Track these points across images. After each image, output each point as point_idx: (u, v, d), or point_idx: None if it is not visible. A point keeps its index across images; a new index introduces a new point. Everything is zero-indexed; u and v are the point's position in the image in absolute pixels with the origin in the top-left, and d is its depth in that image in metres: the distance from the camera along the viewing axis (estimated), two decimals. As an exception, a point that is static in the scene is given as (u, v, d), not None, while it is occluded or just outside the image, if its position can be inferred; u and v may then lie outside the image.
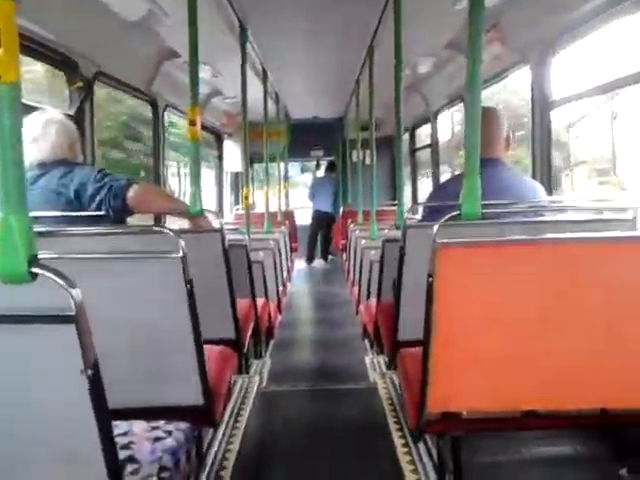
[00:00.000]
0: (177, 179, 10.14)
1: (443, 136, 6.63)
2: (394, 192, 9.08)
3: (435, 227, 1.57)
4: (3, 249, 1.02)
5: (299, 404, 3.25)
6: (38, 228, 1.10)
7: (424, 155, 7.70)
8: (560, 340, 1.54)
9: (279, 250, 4.91)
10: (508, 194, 2.26)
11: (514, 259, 1.52)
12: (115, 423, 1.40)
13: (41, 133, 2.42)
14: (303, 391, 3.48)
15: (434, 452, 2.36)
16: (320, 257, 9.95)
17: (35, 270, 1.02)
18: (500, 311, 1.54)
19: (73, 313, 1.01)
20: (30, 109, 2.82)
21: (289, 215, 8.49)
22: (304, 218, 9.94)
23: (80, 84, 3.61)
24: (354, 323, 4.96)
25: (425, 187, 8.19)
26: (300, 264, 9.35)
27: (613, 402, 1.60)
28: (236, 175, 9.48)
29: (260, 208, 6.97)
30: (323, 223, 9.77)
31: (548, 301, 1.54)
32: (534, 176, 3.61)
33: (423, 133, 7.76)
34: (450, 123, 8.00)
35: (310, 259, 9.79)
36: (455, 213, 1.80)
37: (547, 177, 3.58)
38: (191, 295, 1.71)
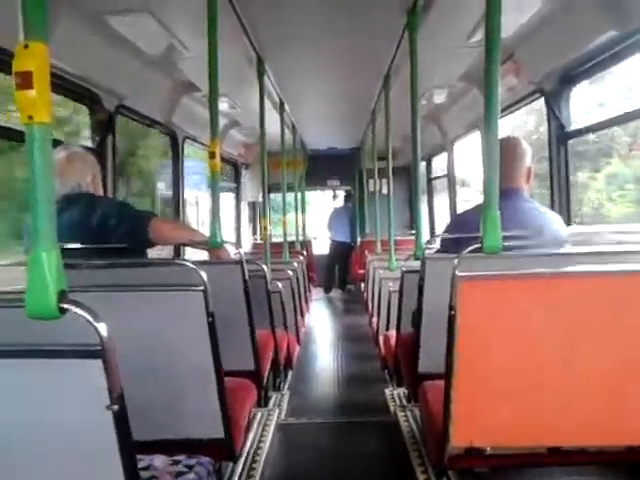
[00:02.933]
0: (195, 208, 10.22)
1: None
2: (411, 221, 9.08)
3: (456, 260, 1.57)
4: (33, 285, 1.03)
5: (319, 437, 3.22)
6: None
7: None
8: (584, 375, 1.52)
9: (297, 280, 4.90)
10: (527, 225, 2.25)
11: (537, 292, 1.51)
12: (137, 457, 1.40)
13: (66, 168, 2.47)
14: (322, 424, 3.44)
15: None
16: (337, 287, 9.93)
17: (64, 305, 1.03)
18: (523, 345, 1.53)
19: (100, 348, 1.02)
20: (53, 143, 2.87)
21: (307, 245, 8.50)
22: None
23: (102, 117, 3.69)
24: (373, 354, 4.92)
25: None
26: (318, 294, 9.34)
27: (638, 438, 1.56)
28: (253, 205, 9.54)
29: (277, 237, 6.99)
30: (340, 253, 9.78)
31: (572, 335, 1.52)
32: (552, 207, 3.60)
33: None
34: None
35: (328, 289, 9.78)
36: (476, 246, 1.80)
37: (566, 208, 3.56)
38: (212, 327, 1.72)
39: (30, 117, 1.02)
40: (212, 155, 2.77)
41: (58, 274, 1.04)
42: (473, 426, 1.58)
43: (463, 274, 1.47)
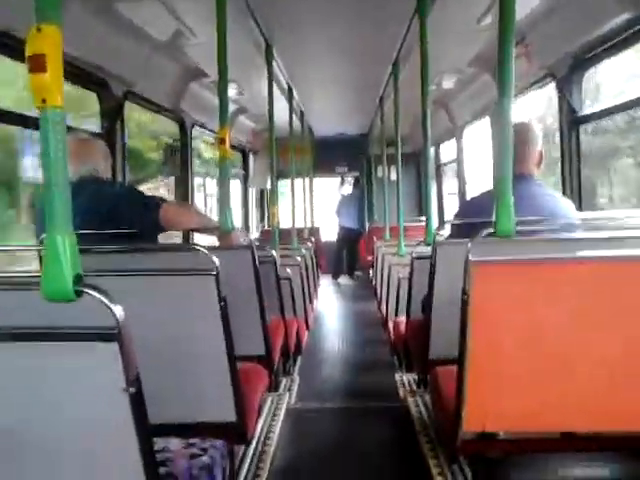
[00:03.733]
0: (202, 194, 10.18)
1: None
2: (419, 208, 9.06)
3: (469, 244, 1.57)
4: (49, 268, 1.04)
5: (328, 422, 3.24)
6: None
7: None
8: (599, 360, 1.52)
9: (306, 266, 4.91)
10: (539, 210, 2.24)
11: (551, 277, 1.51)
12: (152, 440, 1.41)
13: (78, 153, 2.48)
14: (332, 409, 3.46)
15: (469, 473, 2.32)
16: (346, 273, 9.96)
17: (80, 288, 1.04)
18: (537, 329, 1.52)
19: (116, 331, 1.02)
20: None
21: (315, 231, 8.51)
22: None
23: (111, 103, 3.69)
24: (382, 340, 4.93)
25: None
26: (326, 280, 9.35)
27: None
28: (261, 192, 9.54)
29: (285, 224, 7.00)
30: (348, 239, 9.79)
31: (586, 319, 1.52)
32: (564, 192, 3.58)
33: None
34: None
35: (336, 275, 9.81)
36: (489, 230, 1.79)
37: (577, 193, 3.54)
38: (225, 312, 1.73)
39: (44, 100, 1.02)
40: (222, 141, 2.77)
41: (73, 257, 1.05)
42: (485, 411, 1.58)
43: (476, 258, 1.47)
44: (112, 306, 1.02)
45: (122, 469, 1.14)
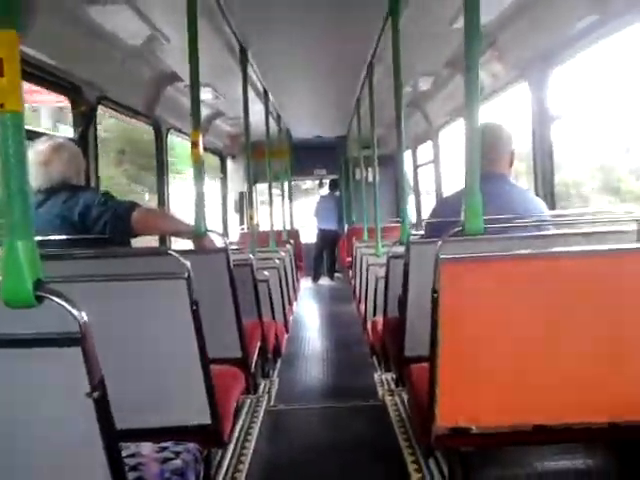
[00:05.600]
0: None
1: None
2: (398, 208, 9.09)
3: (438, 243, 1.58)
4: (9, 273, 1.03)
5: (308, 423, 3.24)
6: (43, 252, 1.11)
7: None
8: (566, 353, 1.54)
9: (285, 269, 4.91)
10: (510, 209, 2.27)
11: (518, 273, 1.53)
12: (123, 444, 1.40)
13: (51, 158, 2.46)
14: (312, 409, 3.46)
15: (445, 468, 2.34)
16: (326, 275, 9.96)
17: (40, 294, 1.03)
18: (506, 325, 1.54)
19: (79, 335, 1.02)
20: (36, 134, 2.86)
21: (294, 234, 8.51)
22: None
23: (84, 109, 3.66)
24: (361, 340, 4.94)
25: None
26: (306, 283, 9.35)
27: (621, 415, 1.59)
28: (240, 195, 9.53)
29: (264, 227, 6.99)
30: (327, 241, 9.80)
31: (554, 314, 1.54)
32: (536, 191, 3.62)
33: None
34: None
35: (316, 277, 9.81)
36: (458, 229, 1.81)
37: (550, 191, 3.58)
38: (197, 316, 1.72)
39: (1, 105, 1.01)
40: (195, 145, 2.76)
41: (34, 262, 1.04)
42: (458, 406, 1.60)
43: (445, 256, 1.48)
44: (74, 311, 1.01)
45: (89, 474, 1.13)
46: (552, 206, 3.51)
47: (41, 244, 1.11)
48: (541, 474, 1.88)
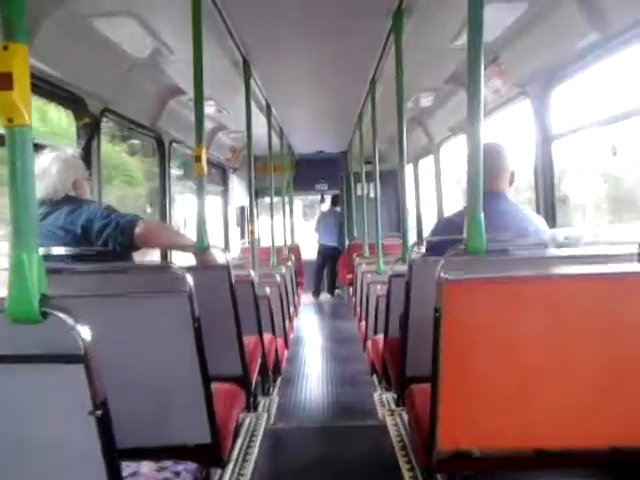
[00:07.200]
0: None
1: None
2: (399, 224, 9.08)
3: (441, 262, 1.57)
4: (14, 288, 1.02)
5: (308, 442, 3.21)
6: (46, 265, 1.11)
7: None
8: (569, 376, 1.53)
9: (285, 285, 4.89)
10: (511, 228, 2.26)
11: (520, 294, 1.52)
12: (123, 463, 1.38)
13: (45, 171, 2.46)
14: (311, 429, 3.43)
15: None
16: (327, 291, 9.94)
17: (46, 310, 1.02)
18: (509, 346, 1.53)
19: (82, 353, 1.01)
20: (40, 147, 2.86)
21: (295, 249, 8.50)
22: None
23: (87, 121, 3.67)
24: (362, 359, 4.91)
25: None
26: (307, 298, 9.33)
27: (622, 440, 1.58)
28: (242, 209, 9.53)
29: (266, 242, 6.98)
30: (328, 257, 9.78)
31: (556, 336, 1.53)
32: (537, 209, 3.62)
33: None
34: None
35: (317, 293, 9.79)
36: (460, 248, 1.80)
37: (551, 210, 3.58)
38: (198, 332, 1.71)
39: (10, 120, 1.01)
40: (198, 159, 2.76)
41: (40, 277, 1.04)
42: (460, 429, 1.58)
43: (447, 276, 1.48)
44: (78, 328, 1.01)
45: None
46: (553, 223, 3.50)
47: (44, 257, 1.10)
48: None
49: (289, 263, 5.88)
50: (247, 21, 3.50)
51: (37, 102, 3.39)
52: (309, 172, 9.83)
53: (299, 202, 10.64)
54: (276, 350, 3.84)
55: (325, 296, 9.86)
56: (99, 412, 1.04)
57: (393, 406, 3.60)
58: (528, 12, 3.17)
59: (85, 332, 1.01)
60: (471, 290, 1.50)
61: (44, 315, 1.03)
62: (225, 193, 8.68)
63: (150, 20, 3.25)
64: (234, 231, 9.18)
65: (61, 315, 1.02)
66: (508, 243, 2.11)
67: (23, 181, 1.03)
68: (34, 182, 1.06)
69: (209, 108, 5.48)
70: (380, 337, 3.37)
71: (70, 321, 1.01)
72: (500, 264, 1.87)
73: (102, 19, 3.12)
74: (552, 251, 2.25)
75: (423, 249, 2.82)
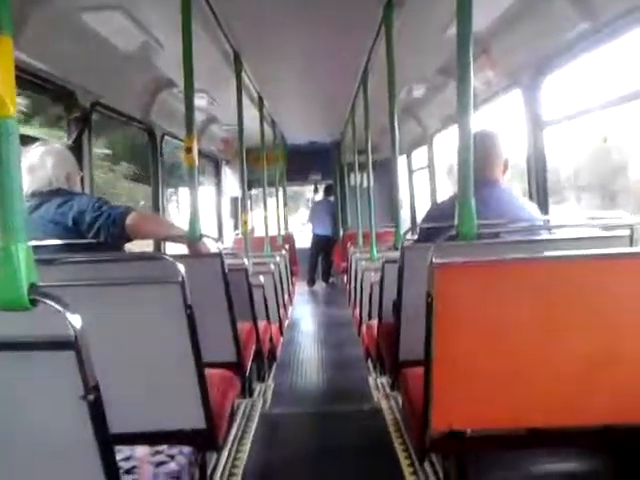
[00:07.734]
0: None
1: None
2: (392, 214, 9.07)
3: (432, 248, 1.59)
4: (3, 277, 1.03)
5: (303, 426, 3.24)
6: (37, 256, 1.12)
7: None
8: (561, 357, 1.55)
9: (280, 273, 4.92)
10: (504, 214, 2.28)
11: (511, 277, 1.54)
12: (118, 448, 1.40)
13: (38, 164, 2.47)
14: (307, 413, 3.47)
15: (440, 471, 2.35)
16: (321, 280, 9.97)
17: (35, 297, 1.04)
18: (500, 329, 1.55)
19: (72, 339, 1.02)
20: (31, 140, 2.87)
21: (289, 238, 8.52)
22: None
23: (78, 114, 3.66)
24: (356, 344, 4.95)
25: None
26: (302, 287, 9.36)
27: (615, 418, 1.60)
28: (235, 200, 9.53)
29: (260, 232, 7.00)
30: (322, 246, 9.82)
31: (547, 318, 1.55)
32: (530, 196, 3.64)
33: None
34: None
35: (311, 282, 9.83)
36: (452, 234, 1.83)
37: (543, 196, 3.60)
38: (191, 320, 1.73)
39: None
40: (188, 150, 2.77)
41: (29, 266, 1.05)
42: (452, 409, 1.60)
43: (439, 261, 1.50)
44: (68, 314, 1.02)
45: (83, 477, 1.13)
46: (546, 210, 3.53)
47: (34, 249, 1.12)
48: (536, 477, 1.89)
49: (283, 251, 5.90)
50: (237, 13, 3.49)
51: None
52: (302, 162, 9.82)
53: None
54: (271, 337, 3.87)
55: (320, 284, 9.89)
56: (91, 397, 1.05)
57: (388, 390, 3.64)
58: (518, 2, 3.18)
59: (75, 319, 1.02)
60: (462, 274, 1.52)
61: (33, 302, 1.04)
62: (218, 185, 8.67)
63: (139, 13, 3.24)
64: (228, 223, 9.18)
65: (50, 302, 1.03)
66: (499, 228, 2.14)
67: (10, 172, 1.04)
68: (20, 174, 1.07)
69: (201, 100, 5.47)
70: (374, 322, 3.40)
71: (59, 308, 1.02)
72: (491, 248, 1.89)
73: (91, 12, 3.11)
74: (544, 236, 2.28)
75: (416, 237, 2.84)
